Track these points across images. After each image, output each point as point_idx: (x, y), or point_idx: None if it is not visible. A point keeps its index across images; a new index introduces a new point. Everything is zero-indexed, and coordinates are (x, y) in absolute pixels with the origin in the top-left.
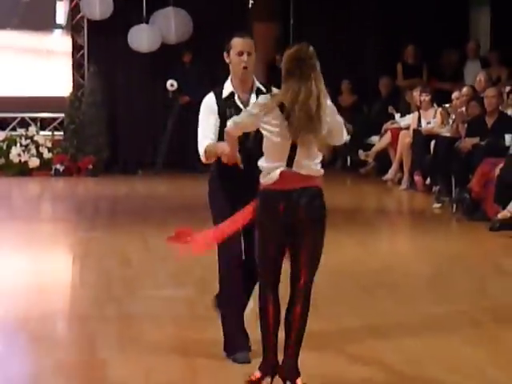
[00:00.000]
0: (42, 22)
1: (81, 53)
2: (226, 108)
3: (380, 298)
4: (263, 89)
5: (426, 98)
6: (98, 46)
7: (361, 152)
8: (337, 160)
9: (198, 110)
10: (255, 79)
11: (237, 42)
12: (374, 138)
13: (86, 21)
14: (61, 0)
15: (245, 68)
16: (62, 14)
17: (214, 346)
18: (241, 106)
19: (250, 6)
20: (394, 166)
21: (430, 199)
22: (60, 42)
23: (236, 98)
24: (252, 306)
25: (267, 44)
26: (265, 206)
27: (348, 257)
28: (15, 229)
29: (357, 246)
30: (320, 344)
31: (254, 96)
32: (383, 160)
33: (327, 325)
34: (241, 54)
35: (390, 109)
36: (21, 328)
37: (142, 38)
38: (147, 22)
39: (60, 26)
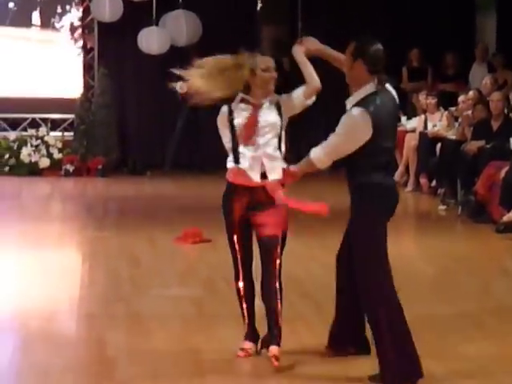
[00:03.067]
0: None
1: (91, 54)
2: None
3: None
4: None
5: (432, 101)
6: (108, 47)
7: None
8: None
9: (206, 112)
10: None
11: None
12: None
13: (96, 23)
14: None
15: None
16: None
17: (221, 344)
18: None
19: (258, 8)
20: (401, 168)
21: (435, 201)
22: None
23: None
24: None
25: (274, 47)
26: None
27: None
28: (25, 228)
29: None
30: (324, 341)
31: None
32: None
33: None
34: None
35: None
36: (30, 326)
37: (152, 40)
38: (157, 25)
39: (35, 25)
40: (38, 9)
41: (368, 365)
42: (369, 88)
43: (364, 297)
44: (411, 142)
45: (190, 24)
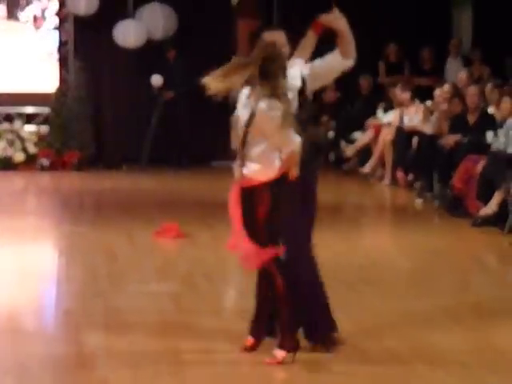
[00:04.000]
0: None
1: (66, 48)
2: None
3: (363, 293)
4: None
5: (405, 95)
6: (84, 41)
7: (343, 144)
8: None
9: (182, 106)
10: None
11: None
12: (357, 134)
13: (71, 16)
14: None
15: None
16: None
17: (200, 338)
18: None
19: (233, 3)
20: (373, 159)
21: (412, 195)
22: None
23: None
24: None
25: (250, 40)
26: None
27: (332, 252)
28: (0, 223)
29: (340, 242)
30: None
31: None
32: (366, 156)
33: None
34: None
35: (380, 106)
36: (6, 323)
37: (128, 33)
38: (133, 17)
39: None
40: (5, 1)
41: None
42: None
43: None
44: (387, 135)
45: (166, 17)
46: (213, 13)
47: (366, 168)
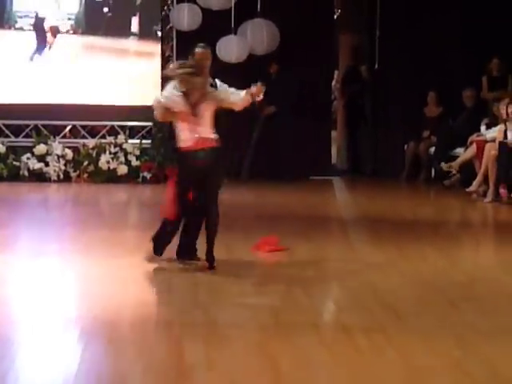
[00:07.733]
0: (120, 31)
1: (169, 62)
2: None
3: (465, 311)
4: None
5: (510, 110)
6: (187, 55)
7: (443, 164)
8: (420, 172)
9: (284, 121)
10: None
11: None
12: (459, 150)
13: (174, 31)
14: (135, 15)
15: None
16: (135, 25)
17: (300, 354)
18: None
19: (335, 17)
20: (479, 178)
21: None
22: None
23: None
24: None
25: (351, 55)
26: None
27: (433, 269)
28: (102, 235)
29: (441, 259)
30: (404, 354)
31: None
32: (468, 172)
33: (413, 336)
34: None
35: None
36: (109, 333)
37: (231, 48)
38: (235, 33)
39: (134, 34)
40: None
41: None
42: None
43: None
44: (491, 151)
45: (268, 32)
46: (314, 28)
47: (472, 187)
